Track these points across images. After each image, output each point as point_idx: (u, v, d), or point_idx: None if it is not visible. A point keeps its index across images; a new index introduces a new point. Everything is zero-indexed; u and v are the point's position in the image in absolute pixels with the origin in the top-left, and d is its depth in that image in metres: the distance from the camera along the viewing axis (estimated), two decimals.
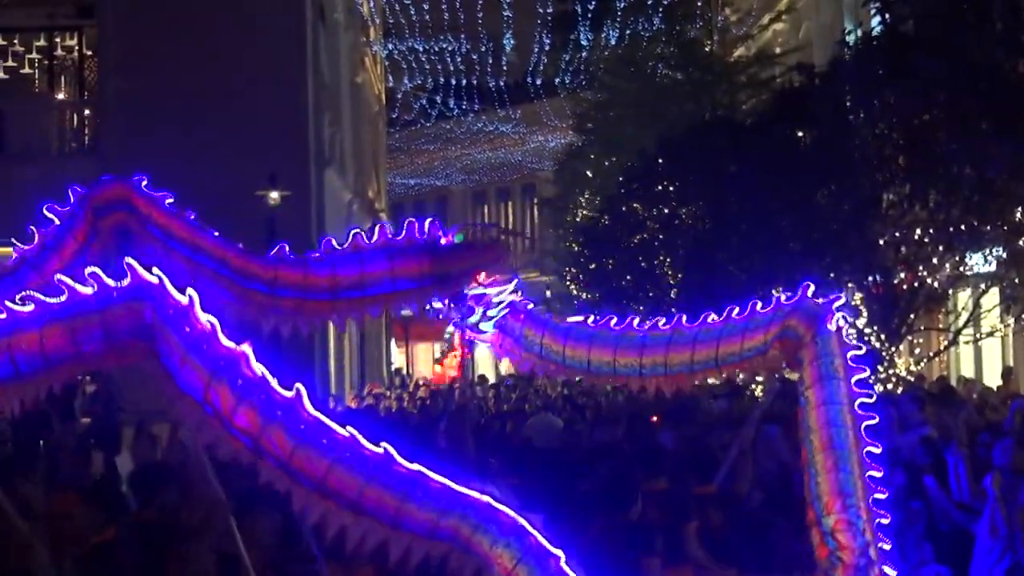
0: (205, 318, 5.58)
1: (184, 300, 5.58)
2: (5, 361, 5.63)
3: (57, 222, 7.42)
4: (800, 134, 25.43)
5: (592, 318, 7.65)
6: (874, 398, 6.70)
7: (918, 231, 23.70)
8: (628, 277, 27.11)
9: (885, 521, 6.52)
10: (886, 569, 6.42)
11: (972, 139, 22.42)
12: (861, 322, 24.70)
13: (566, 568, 5.41)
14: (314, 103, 29.16)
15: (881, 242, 23.83)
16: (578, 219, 40.75)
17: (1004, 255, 24.03)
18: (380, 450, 5.50)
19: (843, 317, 6.89)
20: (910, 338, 25.73)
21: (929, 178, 23.38)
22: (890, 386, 22.86)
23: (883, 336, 24.09)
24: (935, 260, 23.97)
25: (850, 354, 6.76)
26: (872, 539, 6.45)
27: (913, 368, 24.68)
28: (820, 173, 23.97)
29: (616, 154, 37.74)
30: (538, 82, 50.36)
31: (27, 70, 30.90)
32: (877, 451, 6.54)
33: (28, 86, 31.01)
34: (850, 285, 25.09)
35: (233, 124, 26.83)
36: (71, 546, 8.24)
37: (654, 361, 7.34)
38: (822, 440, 6.56)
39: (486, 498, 5.48)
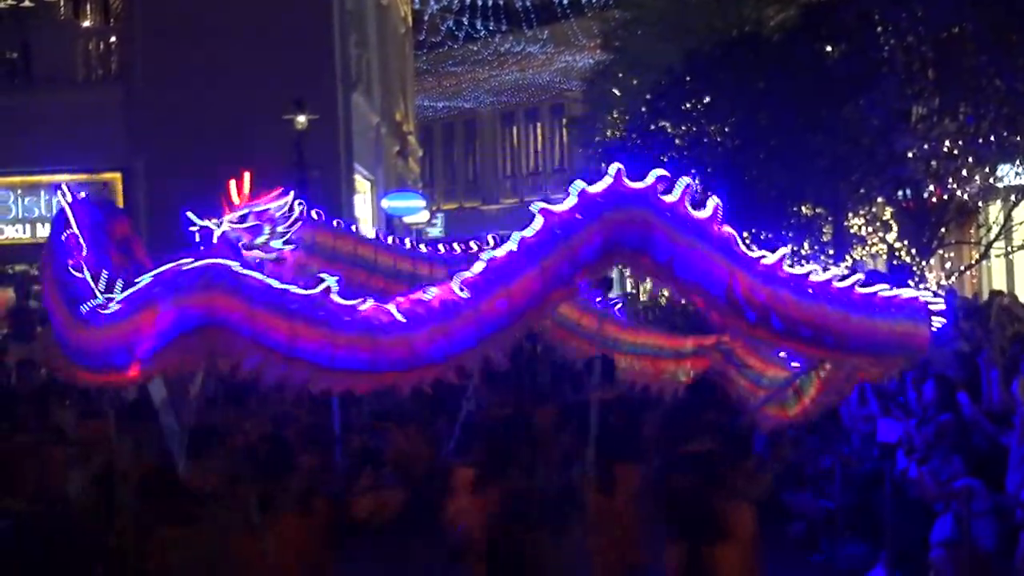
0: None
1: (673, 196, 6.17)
2: (504, 309, 6.27)
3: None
4: (828, 48, 25.22)
5: None
6: None
7: (947, 144, 23.55)
8: None
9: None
10: None
11: (1002, 50, 22.23)
12: (891, 237, 24.63)
13: None
14: (340, 26, 29.02)
15: (910, 155, 23.69)
16: (607, 138, 40.45)
17: None
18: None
19: None
20: (941, 252, 25.64)
21: (958, 90, 23.21)
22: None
23: (914, 250, 24.02)
24: (965, 173, 23.83)
25: None
26: None
27: (944, 282, 24.60)
28: (848, 87, 23.80)
29: (644, 72, 37.40)
30: (565, 1, 49.97)
31: None
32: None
33: (53, 13, 30.91)
34: (880, 200, 24.98)
35: (259, 48, 26.73)
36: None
37: None
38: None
39: None
